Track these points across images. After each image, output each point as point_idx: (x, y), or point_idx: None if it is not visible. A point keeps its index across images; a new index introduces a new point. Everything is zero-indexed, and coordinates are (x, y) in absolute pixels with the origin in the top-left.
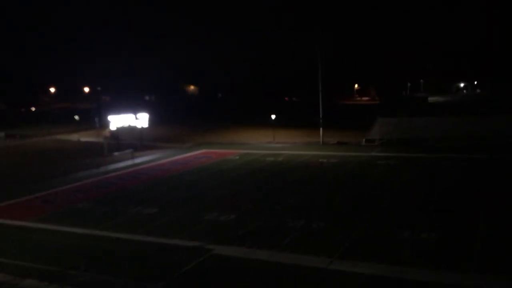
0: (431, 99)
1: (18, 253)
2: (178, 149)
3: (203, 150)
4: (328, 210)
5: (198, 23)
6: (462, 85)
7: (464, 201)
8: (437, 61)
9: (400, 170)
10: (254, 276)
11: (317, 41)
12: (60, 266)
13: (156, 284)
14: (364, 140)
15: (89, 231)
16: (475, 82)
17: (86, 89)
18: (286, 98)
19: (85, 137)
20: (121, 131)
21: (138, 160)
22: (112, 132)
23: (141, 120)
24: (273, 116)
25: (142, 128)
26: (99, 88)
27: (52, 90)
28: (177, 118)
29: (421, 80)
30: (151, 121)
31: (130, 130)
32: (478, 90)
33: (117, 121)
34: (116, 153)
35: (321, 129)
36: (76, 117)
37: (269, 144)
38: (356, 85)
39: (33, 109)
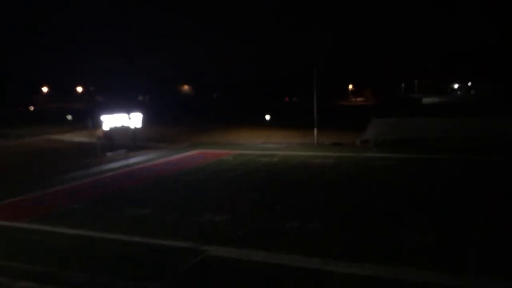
0: (426, 100)
1: (11, 254)
2: (173, 150)
3: (198, 151)
4: (324, 210)
5: (195, 23)
6: (456, 86)
7: (462, 202)
8: (432, 62)
9: (396, 171)
10: (250, 277)
11: (313, 41)
12: (54, 267)
13: (152, 284)
14: (359, 140)
15: (83, 232)
16: (469, 83)
17: (79, 89)
18: (287, 99)
19: (78, 137)
20: (114, 131)
21: (131, 161)
22: (105, 132)
23: (134, 120)
24: (267, 117)
25: (136, 128)
26: (92, 88)
27: (45, 89)
28: (172, 118)
29: (416, 81)
30: (145, 121)
31: (124, 130)
32: (472, 91)
33: (110, 121)
34: (109, 154)
35: (315, 129)
36: (69, 117)
37: (264, 145)
38: (350, 86)
39: (31, 108)
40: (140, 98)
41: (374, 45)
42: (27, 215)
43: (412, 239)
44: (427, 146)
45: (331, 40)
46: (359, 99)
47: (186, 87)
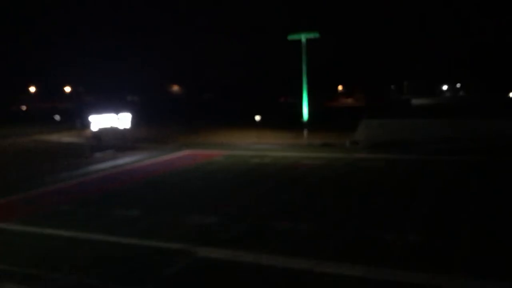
0: (415, 101)
1: None
2: (162, 150)
3: (188, 151)
4: (315, 212)
5: (185, 22)
6: (445, 87)
7: (451, 202)
8: (421, 63)
9: (385, 172)
10: (240, 278)
11: (303, 42)
12: (42, 270)
13: (141, 287)
14: (349, 141)
15: (71, 234)
16: (458, 85)
17: (67, 89)
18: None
19: (66, 138)
20: (103, 131)
21: (120, 161)
22: (94, 133)
23: (123, 120)
24: (257, 117)
25: (125, 129)
26: (80, 88)
27: (33, 89)
28: (161, 119)
29: (405, 82)
30: (134, 121)
31: (113, 131)
32: (461, 93)
33: (99, 121)
34: (97, 154)
35: (305, 130)
36: (57, 117)
37: (255, 146)
38: (340, 87)
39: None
40: (130, 98)
41: (363, 47)
42: (14, 216)
43: (400, 240)
44: (417, 148)
45: (321, 41)
46: (349, 100)
47: (176, 87)
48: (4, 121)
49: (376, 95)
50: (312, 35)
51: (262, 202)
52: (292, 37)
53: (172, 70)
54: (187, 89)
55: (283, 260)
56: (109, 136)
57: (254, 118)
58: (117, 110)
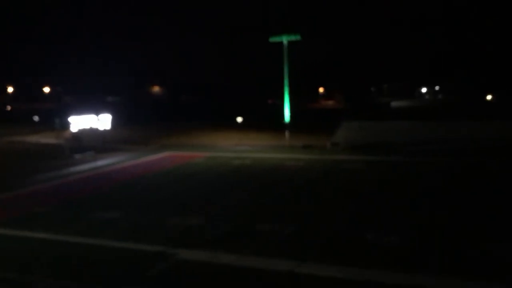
0: (394, 103)
1: None
2: (142, 152)
3: (168, 153)
4: (297, 213)
5: (167, 23)
6: (424, 90)
7: (431, 203)
8: (401, 65)
9: (365, 173)
10: (222, 280)
11: (285, 44)
12: (18, 273)
13: None
14: (329, 143)
15: (49, 236)
16: (437, 88)
17: (46, 89)
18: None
19: (44, 139)
20: (82, 132)
21: (100, 163)
22: (73, 134)
23: (103, 121)
24: (239, 119)
25: (105, 130)
26: (59, 89)
27: (10, 89)
28: (142, 120)
29: (385, 85)
30: (114, 122)
31: (92, 132)
32: (440, 96)
33: (78, 122)
34: (77, 156)
35: (286, 132)
36: (35, 118)
37: (236, 147)
38: (321, 89)
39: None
40: (110, 99)
41: (344, 49)
42: None
43: (381, 240)
44: (395, 149)
45: (303, 44)
46: (330, 102)
47: (157, 88)
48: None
49: (356, 97)
50: (293, 38)
51: (243, 204)
52: (274, 39)
53: (153, 70)
54: (168, 90)
55: (265, 261)
56: (89, 137)
57: (235, 120)
58: (97, 111)
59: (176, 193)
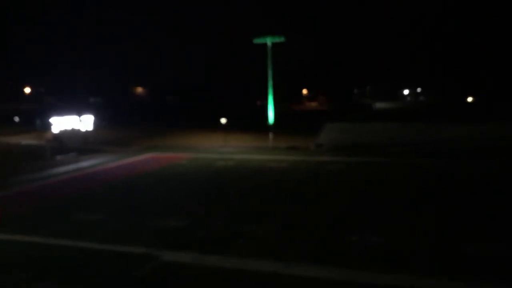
0: (377, 105)
1: None
2: (125, 153)
3: (151, 154)
4: (281, 214)
5: (151, 23)
6: (406, 92)
7: (413, 203)
8: (384, 67)
9: (349, 174)
10: (206, 282)
11: (269, 46)
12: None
13: None
14: (313, 144)
15: (30, 239)
16: (418, 90)
17: (27, 90)
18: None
19: (25, 140)
20: (64, 133)
21: (82, 164)
22: (55, 135)
23: (86, 122)
24: (223, 120)
25: (87, 131)
26: (41, 89)
27: None
28: (125, 121)
29: (368, 87)
30: (96, 123)
31: (74, 133)
32: (421, 98)
33: (60, 123)
34: (59, 157)
35: (270, 133)
36: (16, 119)
37: (220, 149)
38: (304, 91)
39: None
40: (92, 100)
41: (328, 51)
42: None
43: (364, 241)
44: (378, 150)
45: (286, 46)
46: (313, 104)
47: (140, 89)
48: None
49: (340, 99)
50: (277, 39)
51: (227, 205)
52: (257, 40)
53: (136, 71)
54: (151, 91)
55: (249, 263)
56: (71, 138)
57: (220, 121)
58: (79, 112)
59: (159, 194)
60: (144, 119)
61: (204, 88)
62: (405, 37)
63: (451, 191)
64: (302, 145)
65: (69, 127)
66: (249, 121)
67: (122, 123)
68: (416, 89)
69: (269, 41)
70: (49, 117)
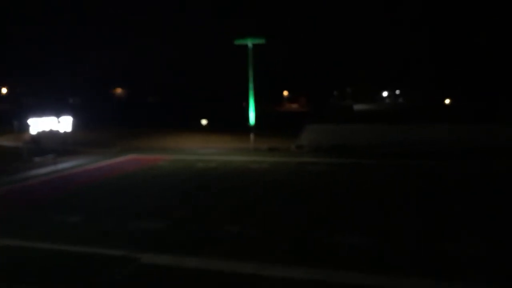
0: (357, 107)
1: None
2: (104, 155)
3: (131, 156)
4: (262, 215)
5: (131, 23)
6: (385, 94)
7: (394, 204)
8: (363, 69)
9: (329, 175)
10: (184, 284)
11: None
12: None
13: None
14: (294, 146)
15: (8, 242)
16: (397, 92)
17: (4, 90)
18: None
19: (2, 141)
20: (42, 135)
21: (60, 166)
22: (33, 136)
23: (64, 123)
24: (203, 121)
25: (66, 132)
26: (18, 90)
27: None
28: (104, 122)
29: (348, 89)
30: (75, 125)
31: (53, 134)
32: (400, 100)
33: (38, 124)
34: (36, 159)
35: (251, 135)
36: None
37: (201, 150)
38: (285, 92)
39: None
40: (71, 100)
41: (308, 53)
42: None
43: (345, 241)
44: (357, 152)
45: (267, 47)
46: (294, 105)
47: (119, 90)
48: None
49: (320, 100)
50: (258, 41)
51: (207, 207)
52: (238, 42)
53: (116, 72)
54: (131, 92)
55: (229, 264)
56: (49, 140)
57: (200, 122)
58: (57, 113)
59: (139, 196)
60: (124, 120)
61: (185, 89)
62: (384, 39)
63: (432, 191)
64: (283, 147)
65: (47, 129)
66: (231, 122)
67: (101, 124)
68: (395, 91)
69: (249, 42)
70: (27, 118)
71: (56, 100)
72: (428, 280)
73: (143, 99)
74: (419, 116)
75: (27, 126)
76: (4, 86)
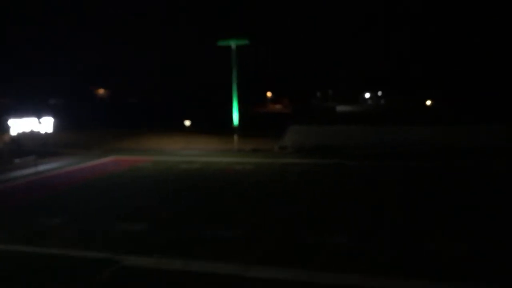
0: (339, 108)
1: None
2: (86, 156)
3: (113, 157)
4: (245, 217)
5: (115, 23)
6: (367, 95)
7: (376, 203)
8: (345, 70)
9: (311, 175)
10: (167, 286)
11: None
12: None
13: None
14: (277, 147)
15: None
16: (379, 93)
17: None
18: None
19: None
20: (22, 136)
21: (42, 168)
22: (13, 138)
23: (45, 124)
24: (187, 122)
25: (47, 134)
26: None
27: None
28: (86, 123)
29: (330, 90)
30: (57, 126)
31: (33, 136)
32: (382, 101)
33: (18, 125)
34: (17, 160)
35: (235, 136)
36: None
37: (184, 151)
38: (269, 93)
39: None
40: (52, 101)
41: (291, 55)
42: None
43: (327, 242)
44: (340, 152)
45: (251, 49)
46: (277, 106)
47: (101, 91)
48: None
49: (303, 102)
50: (241, 42)
51: (190, 209)
52: (221, 43)
53: (98, 72)
54: (113, 93)
55: (212, 266)
56: (30, 141)
57: (183, 123)
58: (38, 114)
59: (121, 198)
60: (106, 121)
61: (168, 89)
62: (367, 40)
63: (413, 191)
64: (266, 148)
65: (28, 130)
66: (215, 123)
67: (83, 125)
68: (377, 92)
69: (233, 43)
70: (7, 119)
71: (37, 100)
72: (400, 279)
73: (126, 100)
74: (401, 117)
75: (7, 127)
76: None
